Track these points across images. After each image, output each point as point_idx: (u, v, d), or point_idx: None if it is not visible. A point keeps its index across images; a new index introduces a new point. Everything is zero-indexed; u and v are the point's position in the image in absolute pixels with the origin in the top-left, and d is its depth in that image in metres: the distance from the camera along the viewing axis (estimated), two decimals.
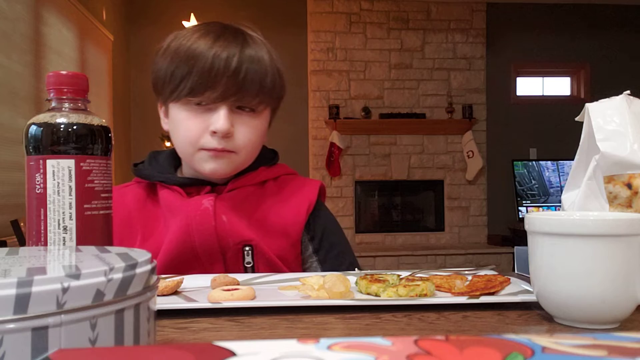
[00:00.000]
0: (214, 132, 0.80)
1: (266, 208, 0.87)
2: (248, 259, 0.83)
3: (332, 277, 0.60)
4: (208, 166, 0.82)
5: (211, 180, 0.87)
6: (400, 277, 0.68)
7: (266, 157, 0.92)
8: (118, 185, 0.91)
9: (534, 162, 4.74)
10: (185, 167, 0.90)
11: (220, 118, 0.79)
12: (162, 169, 0.90)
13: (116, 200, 0.87)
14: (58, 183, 0.50)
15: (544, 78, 5.20)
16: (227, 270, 0.83)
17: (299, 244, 0.88)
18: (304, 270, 0.90)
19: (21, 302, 0.26)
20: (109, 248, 0.39)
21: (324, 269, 0.89)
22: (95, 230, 0.52)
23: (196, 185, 0.86)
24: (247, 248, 0.82)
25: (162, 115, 0.89)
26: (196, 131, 0.81)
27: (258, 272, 0.83)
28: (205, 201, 0.82)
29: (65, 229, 0.50)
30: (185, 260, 0.81)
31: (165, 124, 0.88)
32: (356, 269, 0.78)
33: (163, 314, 0.54)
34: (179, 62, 0.80)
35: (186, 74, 0.79)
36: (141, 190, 0.89)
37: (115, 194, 0.88)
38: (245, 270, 0.83)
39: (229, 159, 0.83)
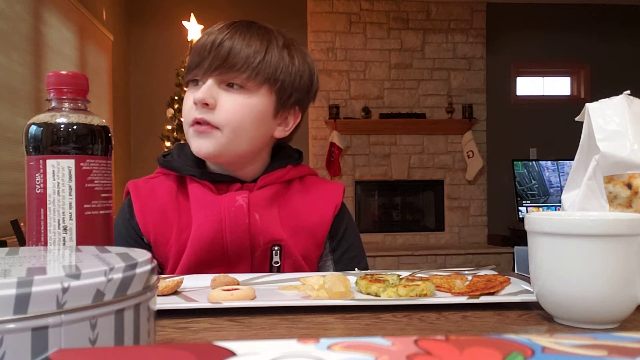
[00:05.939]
0: (195, 103, 0.81)
1: (294, 207, 0.87)
2: (276, 258, 0.83)
3: (332, 277, 0.60)
4: (194, 144, 0.83)
5: (239, 177, 0.87)
6: (400, 277, 0.68)
7: (292, 156, 0.93)
8: (143, 178, 0.90)
9: (534, 162, 4.74)
10: (210, 163, 0.89)
11: (201, 89, 0.81)
12: (192, 162, 0.88)
13: (146, 193, 0.86)
14: (58, 183, 0.50)
15: (544, 78, 5.20)
16: (254, 269, 0.83)
17: (323, 245, 0.89)
18: (318, 268, 0.90)
19: (21, 302, 0.26)
20: (109, 248, 0.39)
21: (337, 269, 0.90)
22: (95, 230, 0.52)
23: (227, 181, 0.86)
24: (275, 247, 0.83)
25: None
26: (187, 107, 0.84)
27: (284, 271, 0.83)
28: (239, 198, 0.82)
29: (65, 229, 0.50)
30: (212, 257, 0.81)
31: None
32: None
33: (163, 314, 0.54)
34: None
35: (190, 60, 0.85)
36: (171, 183, 0.87)
37: (143, 187, 0.88)
38: (271, 270, 0.83)
39: (212, 137, 0.82)
